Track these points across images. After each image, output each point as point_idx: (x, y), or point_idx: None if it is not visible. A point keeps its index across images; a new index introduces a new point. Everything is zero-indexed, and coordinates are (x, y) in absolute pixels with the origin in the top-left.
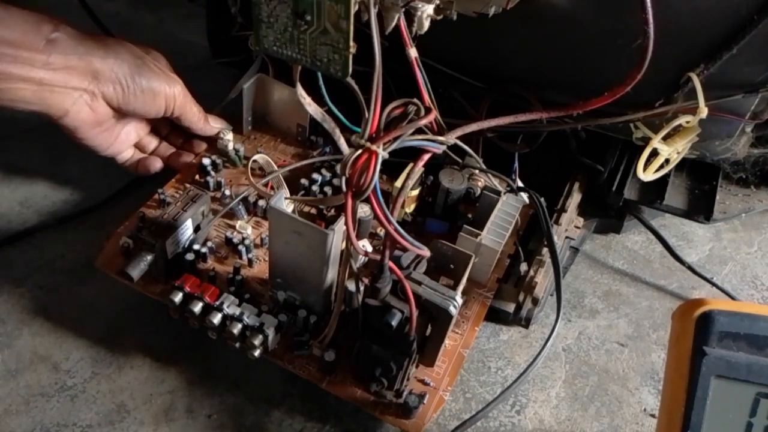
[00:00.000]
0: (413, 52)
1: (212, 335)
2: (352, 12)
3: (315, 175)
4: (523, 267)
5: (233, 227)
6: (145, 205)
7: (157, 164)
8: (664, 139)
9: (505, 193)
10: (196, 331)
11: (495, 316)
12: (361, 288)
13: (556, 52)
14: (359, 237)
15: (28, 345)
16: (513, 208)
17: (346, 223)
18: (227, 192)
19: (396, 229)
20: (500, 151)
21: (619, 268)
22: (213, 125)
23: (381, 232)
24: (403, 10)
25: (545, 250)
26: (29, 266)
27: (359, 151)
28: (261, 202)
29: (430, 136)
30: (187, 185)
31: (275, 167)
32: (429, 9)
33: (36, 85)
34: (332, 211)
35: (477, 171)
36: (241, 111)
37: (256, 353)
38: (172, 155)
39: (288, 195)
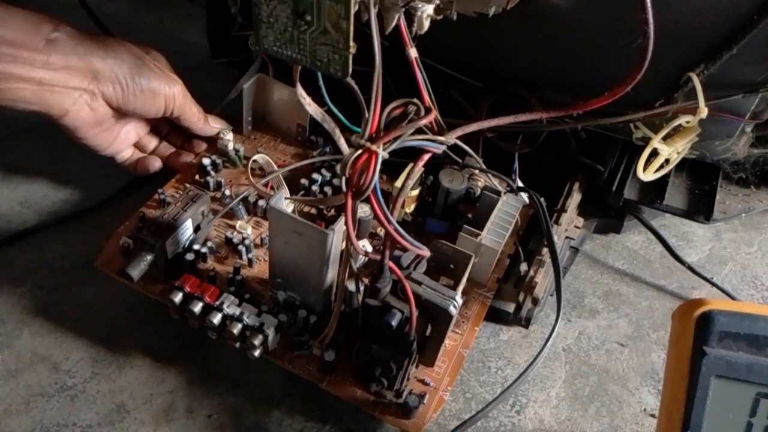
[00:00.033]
0: (413, 52)
1: (212, 335)
2: (352, 12)
3: (315, 175)
4: (523, 267)
5: (233, 227)
6: (145, 205)
7: (156, 164)
8: (664, 139)
9: (505, 193)
10: (196, 331)
11: (495, 316)
12: (361, 288)
13: (556, 52)
14: (359, 237)
15: (28, 345)
16: (513, 208)
17: (346, 223)
18: (227, 192)
19: (396, 229)
20: (500, 151)
21: (619, 268)
22: (213, 125)
23: (381, 232)
24: (403, 10)
25: (545, 250)
26: (29, 266)
27: (359, 151)
28: (261, 202)
29: (430, 136)
30: (187, 185)
31: (275, 167)
32: (429, 9)
33: (36, 84)
34: (332, 211)
35: (477, 171)
36: (241, 111)
37: (256, 353)
38: (172, 155)
39: (288, 195)
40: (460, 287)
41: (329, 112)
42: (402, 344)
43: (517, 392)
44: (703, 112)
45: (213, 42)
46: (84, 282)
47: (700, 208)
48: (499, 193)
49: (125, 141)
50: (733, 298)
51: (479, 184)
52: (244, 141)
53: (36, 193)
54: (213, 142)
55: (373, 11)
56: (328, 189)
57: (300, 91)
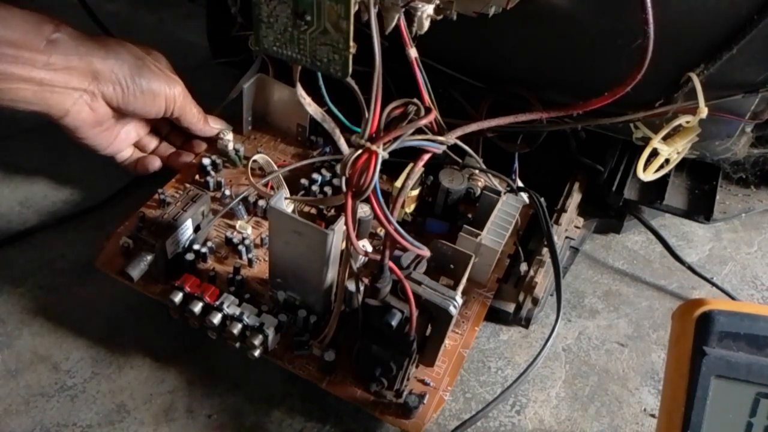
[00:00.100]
0: (413, 52)
1: (212, 335)
2: (352, 12)
3: (315, 175)
4: (523, 267)
5: (233, 227)
6: (145, 205)
7: (156, 163)
8: (664, 139)
9: (505, 193)
10: (196, 331)
11: (495, 316)
12: (361, 288)
13: (556, 52)
14: (359, 237)
15: (28, 345)
16: (513, 208)
17: (346, 223)
18: (227, 192)
19: (396, 229)
20: (500, 151)
21: (619, 268)
22: (213, 126)
23: (381, 232)
24: (403, 10)
25: (545, 250)
26: (29, 266)
27: (359, 151)
28: (261, 202)
29: (430, 136)
30: (187, 185)
31: (275, 167)
32: (429, 9)
33: (37, 85)
34: (332, 211)
35: (477, 171)
36: (241, 111)
37: (256, 353)
38: (172, 155)
39: (288, 195)
40: (460, 287)
41: (329, 112)
42: (402, 344)
43: (517, 392)
44: (703, 112)
45: (213, 42)
46: (84, 282)
47: (700, 208)
48: (499, 193)
49: (125, 141)
50: (733, 298)
51: (479, 184)
52: (244, 141)
53: (36, 193)
54: (213, 142)
55: (373, 11)
56: (328, 189)
57: (300, 91)
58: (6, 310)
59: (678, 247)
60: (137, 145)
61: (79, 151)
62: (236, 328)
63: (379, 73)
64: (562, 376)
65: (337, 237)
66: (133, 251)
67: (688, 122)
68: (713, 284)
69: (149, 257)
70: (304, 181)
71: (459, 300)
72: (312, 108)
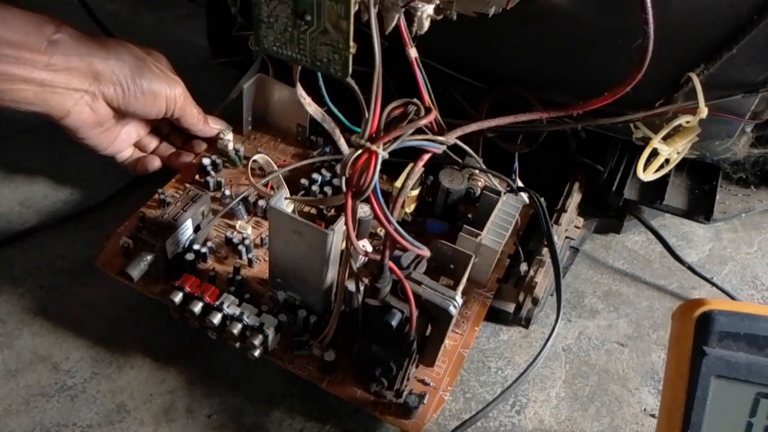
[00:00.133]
0: (413, 52)
1: (212, 335)
2: (352, 12)
3: (315, 175)
4: (523, 267)
5: (233, 227)
6: (145, 205)
7: (155, 163)
8: (664, 139)
9: (505, 193)
10: (196, 331)
11: (495, 316)
12: (361, 288)
13: (556, 52)
14: (359, 237)
15: (28, 345)
16: (513, 208)
17: (346, 223)
18: (227, 192)
19: (396, 229)
20: (500, 151)
21: (619, 268)
22: (213, 126)
23: (381, 232)
24: (403, 10)
25: (545, 250)
26: (29, 266)
27: (359, 151)
28: (261, 202)
29: (430, 136)
30: (187, 185)
31: (275, 167)
32: (429, 9)
33: (37, 86)
34: (332, 211)
35: (477, 171)
36: (241, 111)
37: (256, 353)
38: (172, 155)
39: (288, 195)
40: (460, 287)
41: (329, 112)
42: (402, 344)
43: (517, 392)
44: (703, 112)
45: (213, 42)
46: (84, 282)
47: (700, 208)
48: (499, 193)
49: (126, 141)
50: (733, 298)
51: (479, 184)
52: (244, 141)
53: (36, 193)
54: (213, 142)
55: (373, 11)
56: (328, 189)
57: (300, 91)
58: (6, 310)
59: (678, 247)
60: (137, 145)
61: (79, 151)
62: (236, 328)
63: (379, 73)
64: (562, 376)
65: (337, 237)
66: (133, 251)
67: (688, 122)
68: (713, 284)
69: (149, 257)
70: (304, 181)
71: (459, 300)
72: (312, 108)
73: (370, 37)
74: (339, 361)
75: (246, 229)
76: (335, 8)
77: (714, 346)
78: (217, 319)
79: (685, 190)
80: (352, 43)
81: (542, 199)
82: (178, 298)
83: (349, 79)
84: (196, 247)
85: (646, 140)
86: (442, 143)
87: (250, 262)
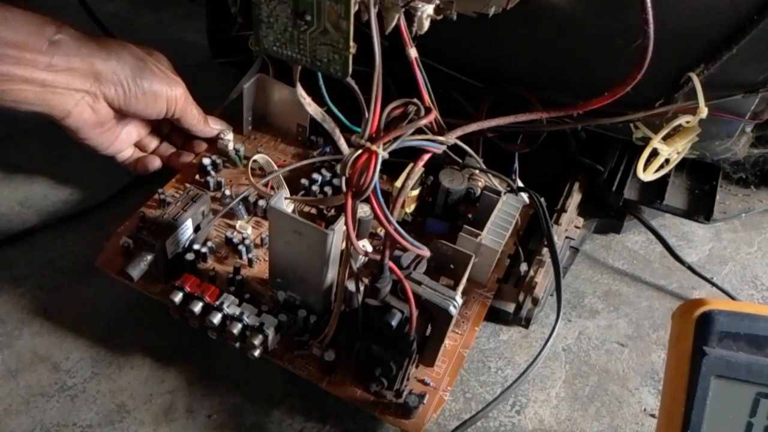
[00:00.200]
0: (413, 52)
1: (212, 335)
2: (352, 12)
3: (315, 175)
4: (523, 267)
5: (233, 227)
6: (145, 205)
7: (155, 163)
8: (664, 139)
9: (505, 193)
10: (196, 331)
11: (495, 316)
12: (361, 288)
13: (556, 52)
14: (359, 237)
15: (28, 345)
16: (513, 208)
17: (346, 223)
18: (227, 192)
19: (396, 229)
20: (500, 151)
21: (619, 268)
22: (213, 127)
23: (381, 232)
24: (403, 10)
25: (545, 250)
26: (29, 266)
27: (359, 151)
28: (261, 202)
29: (430, 136)
30: (188, 185)
31: (275, 167)
32: (429, 9)
33: (39, 86)
34: (332, 211)
35: (477, 171)
36: (241, 111)
37: (256, 353)
38: (172, 155)
39: (288, 195)
40: (460, 287)
41: (329, 112)
42: (402, 344)
43: (517, 392)
44: (703, 112)
45: (213, 42)
46: (84, 282)
47: (700, 208)
48: (499, 193)
49: (126, 141)
50: (733, 298)
51: (479, 184)
52: (244, 141)
53: (36, 193)
54: (213, 142)
55: (373, 11)
56: (328, 189)
57: (300, 91)
58: (6, 310)
59: (678, 247)
60: (138, 145)
61: (79, 151)
62: (236, 328)
63: (379, 73)
64: (562, 376)
65: (337, 237)
66: (133, 251)
67: (688, 122)
68: (713, 284)
69: (149, 257)
70: (304, 181)
71: (459, 300)
72: (312, 108)
73: (370, 37)
74: (339, 361)
75: (246, 229)
76: (335, 8)
77: (714, 346)
78: (217, 319)
79: (685, 190)
80: (352, 43)
81: (542, 199)
82: (178, 298)
83: (349, 79)
84: (196, 247)
85: (646, 140)
86: (442, 143)
87: (250, 262)
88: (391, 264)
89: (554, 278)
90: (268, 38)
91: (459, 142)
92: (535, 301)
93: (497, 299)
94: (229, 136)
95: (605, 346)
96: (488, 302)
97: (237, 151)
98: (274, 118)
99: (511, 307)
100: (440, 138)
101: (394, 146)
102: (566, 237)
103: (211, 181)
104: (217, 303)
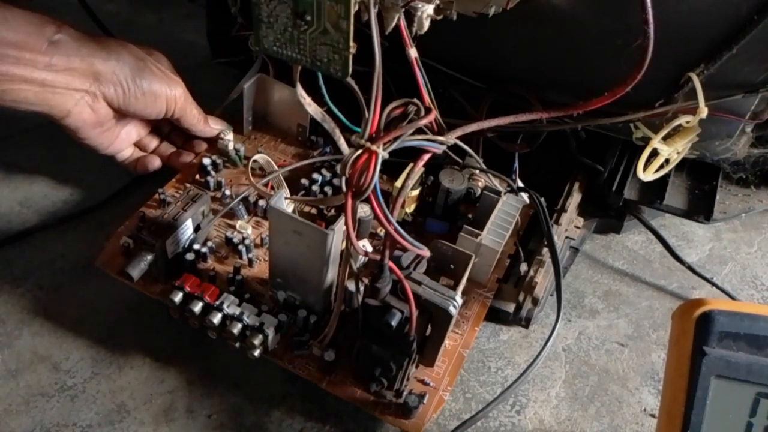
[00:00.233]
0: (413, 52)
1: (212, 335)
2: (352, 12)
3: (315, 175)
4: (523, 267)
5: (233, 227)
6: (145, 204)
7: (155, 163)
8: (664, 139)
9: (505, 193)
10: (196, 331)
11: (495, 316)
12: (361, 288)
13: (556, 52)
14: (359, 237)
15: (28, 345)
16: (513, 208)
17: (346, 223)
18: (227, 192)
19: (396, 229)
20: (500, 151)
21: (619, 268)
22: (213, 127)
23: (381, 232)
24: (403, 10)
25: (545, 250)
26: (29, 266)
27: (359, 151)
28: (261, 202)
29: (430, 136)
30: (188, 185)
31: (275, 167)
32: (429, 9)
33: (38, 86)
34: (332, 211)
35: (477, 171)
36: (241, 111)
37: (256, 353)
38: (172, 155)
39: (288, 195)
40: (460, 287)
41: (329, 112)
42: (402, 344)
43: (517, 392)
44: (703, 112)
45: (213, 42)
46: (84, 282)
47: (700, 208)
48: (499, 193)
49: (126, 141)
50: (733, 298)
51: (479, 184)
52: (244, 141)
53: (36, 193)
54: (213, 142)
55: (373, 11)
56: (328, 189)
57: (300, 91)
58: (6, 310)
59: (678, 247)
60: (138, 145)
61: (79, 151)
62: (236, 328)
63: (379, 73)
64: (562, 376)
65: (337, 237)
66: (133, 251)
67: (688, 122)
68: (713, 284)
69: (149, 257)
70: (304, 181)
71: (459, 300)
72: (312, 108)
73: (370, 37)
74: (339, 361)
75: (246, 229)
76: (335, 8)
77: (714, 346)
78: (217, 319)
79: (685, 190)
80: (352, 43)
81: (542, 199)
82: (178, 297)
83: (349, 79)
84: (196, 246)
85: (646, 140)
86: (442, 143)
87: (250, 262)
88: (391, 264)
89: (554, 278)
90: (268, 38)
91: (459, 142)
92: (535, 301)
93: (497, 299)
94: (230, 136)
95: (605, 346)
96: (488, 302)
97: (237, 151)
98: (274, 118)
99: (511, 307)
100: (440, 138)
101: (394, 146)
102: (566, 237)
103: (211, 181)
104: (217, 303)
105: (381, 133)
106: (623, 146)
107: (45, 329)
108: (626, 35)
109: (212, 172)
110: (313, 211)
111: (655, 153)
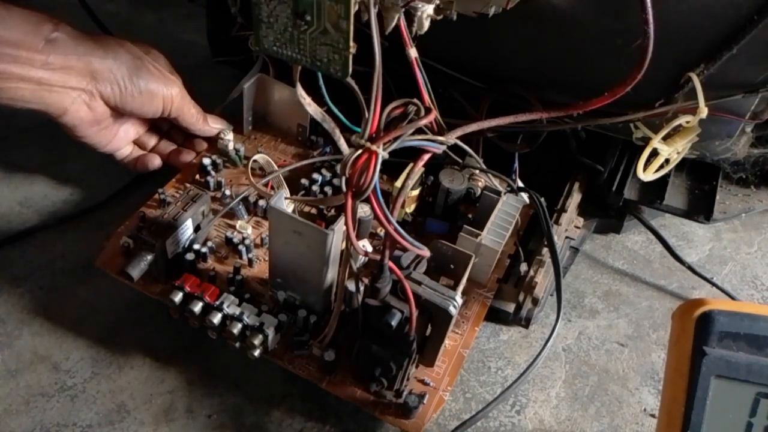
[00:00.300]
0: (413, 52)
1: (212, 335)
2: (352, 12)
3: (315, 175)
4: (523, 267)
5: (233, 227)
6: (145, 204)
7: (155, 161)
8: (664, 139)
9: (505, 193)
10: (196, 331)
11: (495, 316)
12: (361, 288)
13: (556, 52)
14: (359, 237)
15: (28, 345)
16: (513, 208)
17: (346, 223)
18: (227, 192)
19: (396, 229)
20: (500, 151)
21: (619, 268)
22: (212, 125)
23: (381, 232)
24: (403, 10)
25: (545, 250)
26: (29, 266)
27: (359, 151)
28: (261, 202)
29: (430, 136)
30: (188, 185)
31: (275, 167)
32: (429, 9)
33: (35, 84)
34: (332, 211)
35: (477, 171)
36: (241, 111)
37: (256, 353)
38: (172, 153)
39: (288, 195)
40: (460, 287)
41: (329, 112)
42: (402, 344)
43: (517, 392)
44: (703, 112)
45: (213, 42)
46: (84, 282)
47: (700, 208)
48: (499, 193)
49: (124, 139)
50: (733, 298)
51: (479, 184)
52: (244, 141)
53: (36, 193)
54: (213, 142)
55: (373, 11)
56: (328, 189)
57: (300, 91)
58: (6, 310)
59: (678, 247)
60: (137, 143)
61: (79, 151)
62: (236, 328)
63: (379, 73)
64: (562, 376)
65: (337, 237)
66: (133, 251)
67: (688, 122)
68: (713, 284)
69: (149, 257)
70: (304, 181)
71: (459, 300)
72: (312, 108)
73: (370, 37)
74: (339, 361)
75: (246, 229)
76: (335, 8)
77: (714, 346)
78: (217, 318)
79: (685, 190)
80: (352, 43)
81: (542, 199)
82: (178, 297)
83: (349, 79)
84: (196, 246)
85: (646, 140)
86: (442, 143)
87: (250, 262)
88: (391, 264)
89: (554, 278)
90: (268, 38)
91: (459, 142)
92: (535, 301)
93: (497, 299)
94: (230, 136)
95: (605, 346)
96: (488, 302)
97: (237, 151)
98: (274, 118)
99: (511, 307)
100: (440, 138)
101: (394, 146)
102: (566, 237)
103: (211, 181)
104: (217, 303)
105: (381, 133)
106: (623, 146)
107: (45, 329)
108: (626, 35)
109: (212, 172)
110: (313, 211)
111: (655, 153)
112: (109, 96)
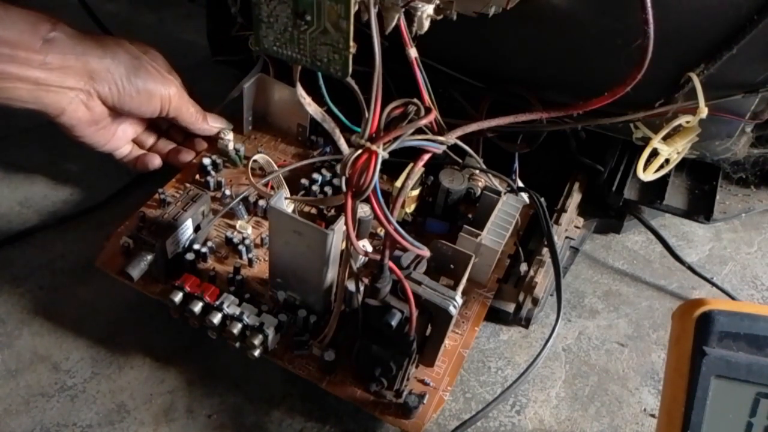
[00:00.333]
0: (413, 52)
1: (212, 335)
2: (352, 12)
3: (315, 175)
4: (523, 267)
5: (233, 227)
6: (145, 204)
7: (155, 161)
8: (664, 139)
9: (505, 193)
10: (196, 331)
11: (495, 316)
12: (361, 288)
13: (556, 52)
14: (359, 237)
15: (28, 345)
16: (513, 208)
17: (346, 223)
18: (227, 192)
19: (396, 229)
20: (500, 151)
21: (619, 268)
22: (212, 125)
23: (381, 232)
24: (403, 10)
25: (545, 250)
26: (29, 266)
27: (359, 151)
28: (261, 202)
29: (430, 136)
30: (188, 185)
31: (275, 167)
32: (429, 9)
33: (32, 84)
34: (332, 211)
35: (477, 171)
36: (241, 111)
37: (256, 353)
38: (171, 152)
39: (288, 195)
40: (460, 287)
41: (329, 112)
42: (402, 344)
43: (517, 392)
44: (703, 112)
45: (213, 42)
46: (84, 282)
47: (700, 208)
48: (499, 193)
49: (123, 138)
50: (733, 298)
51: (479, 184)
52: (244, 141)
53: (36, 193)
54: (213, 142)
55: (373, 11)
56: (328, 189)
57: (300, 91)
58: (6, 310)
59: (678, 247)
60: (136, 142)
61: (79, 151)
62: (236, 328)
63: (379, 73)
64: (562, 376)
65: (337, 237)
66: (133, 251)
67: (688, 122)
68: (713, 284)
69: (149, 257)
70: (304, 181)
71: (459, 300)
72: (312, 108)
73: (370, 37)
74: (339, 361)
75: (246, 229)
76: (335, 8)
77: (714, 346)
78: (217, 318)
79: (685, 190)
80: (352, 43)
81: (542, 199)
82: (178, 297)
83: (349, 79)
84: (196, 246)
85: (646, 140)
86: (442, 143)
87: (250, 262)
88: (391, 264)
89: (554, 278)
90: (268, 38)
91: (459, 142)
92: (535, 301)
93: (497, 299)
94: (229, 136)
95: (605, 346)
96: (488, 302)
97: (237, 150)
98: (274, 118)
99: (511, 307)
100: (440, 138)
101: (394, 146)
102: (566, 237)
103: (211, 180)
104: (217, 303)
105: (381, 133)
106: (623, 146)
107: (45, 329)
108: (626, 35)
109: (212, 172)
110: (313, 211)
111: (655, 153)
112: (107, 96)
